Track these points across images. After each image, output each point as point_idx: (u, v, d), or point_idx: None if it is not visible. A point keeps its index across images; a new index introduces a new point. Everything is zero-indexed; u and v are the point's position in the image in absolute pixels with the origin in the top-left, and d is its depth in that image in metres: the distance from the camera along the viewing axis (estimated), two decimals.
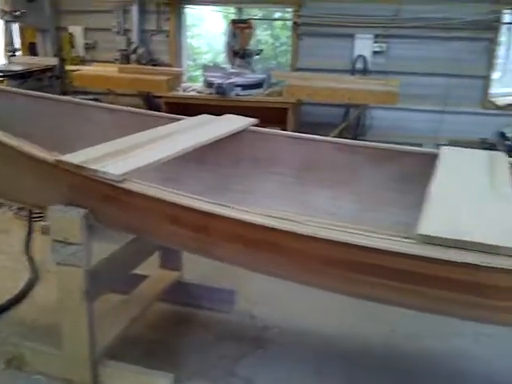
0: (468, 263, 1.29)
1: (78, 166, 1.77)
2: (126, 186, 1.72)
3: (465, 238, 1.33)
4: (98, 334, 2.19)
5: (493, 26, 5.10)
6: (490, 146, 4.77)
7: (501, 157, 2.38)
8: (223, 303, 2.98)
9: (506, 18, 5.21)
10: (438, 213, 1.53)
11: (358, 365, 2.54)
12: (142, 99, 5.68)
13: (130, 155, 1.99)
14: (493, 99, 5.27)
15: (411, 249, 1.33)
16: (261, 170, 2.85)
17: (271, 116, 4.79)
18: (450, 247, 1.34)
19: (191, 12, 6.10)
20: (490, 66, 5.25)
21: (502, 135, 5.06)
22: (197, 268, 2.97)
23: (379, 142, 2.66)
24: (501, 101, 5.21)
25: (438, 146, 2.95)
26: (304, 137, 2.84)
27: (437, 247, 1.35)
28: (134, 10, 5.62)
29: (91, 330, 2.12)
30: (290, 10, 5.61)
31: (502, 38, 5.38)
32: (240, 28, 4.92)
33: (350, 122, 5.43)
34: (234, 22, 5.03)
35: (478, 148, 4.80)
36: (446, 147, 2.63)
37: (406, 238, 1.41)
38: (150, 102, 5.59)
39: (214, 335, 2.77)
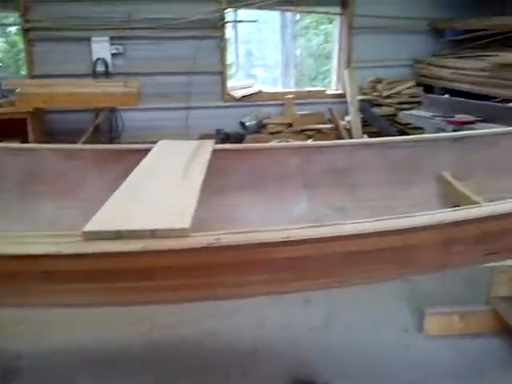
0: (113, 252, 1.35)
1: None
2: None
3: (114, 229, 1.39)
4: None
5: (219, 24, 5.55)
6: (225, 136, 5.24)
7: (208, 144, 2.60)
8: None
9: (229, 16, 5.71)
10: (111, 208, 1.59)
11: (114, 368, 2.52)
12: None
13: None
14: (231, 92, 5.75)
15: (65, 248, 1.35)
16: None
17: (9, 128, 4.45)
18: (109, 239, 1.39)
19: None
20: (223, 61, 5.70)
21: (242, 124, 5.57)
22: None
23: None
24: (237, 93, 5.72)
25: None
26: (23, 147, 2.69)
27: (98, 241, 1.39)
28: None
29: None
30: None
31: (230, 35, 5.90)
32: None
33: (99, 126, 5.36)
34: None
35: (215, 138, 5.23)
36: (164, 141, 2.77)
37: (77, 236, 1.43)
38: None
39: None
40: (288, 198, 2.68)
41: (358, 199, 2.64)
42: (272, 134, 5.57)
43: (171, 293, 1.51)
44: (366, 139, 2.70)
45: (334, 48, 6.22)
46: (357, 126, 5.56)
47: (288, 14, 6.14)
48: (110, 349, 2.69)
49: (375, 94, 5.87)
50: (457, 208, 1.72)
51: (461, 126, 3.76)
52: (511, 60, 4.15)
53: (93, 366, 2.52)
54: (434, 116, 4.13)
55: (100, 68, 5.32)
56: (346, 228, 1.53)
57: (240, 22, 5.73)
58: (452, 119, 3.93)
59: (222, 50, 5.62)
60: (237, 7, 5.51)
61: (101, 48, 5.21)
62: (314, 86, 6.90)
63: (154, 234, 1.41)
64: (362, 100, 5.79)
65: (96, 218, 1.50)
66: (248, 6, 5.41)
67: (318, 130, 5.70)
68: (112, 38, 5.27)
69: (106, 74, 5.31)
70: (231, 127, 5.63)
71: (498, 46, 4.93)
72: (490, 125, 3.67)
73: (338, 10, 5.94)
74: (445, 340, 2.75)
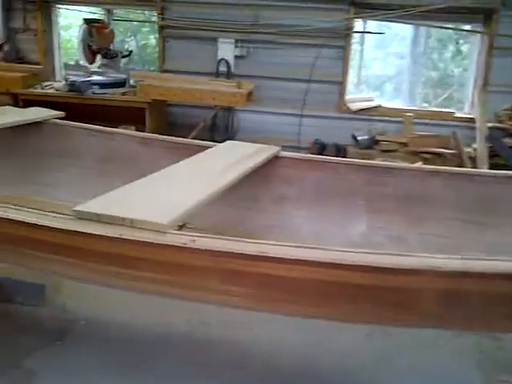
0: (101, 235, 1.38)
1: None
2: None
3: (100, 212, 1.42)
4: None
5: (345, 34, 5.41)
6: (321, 146, 5.09)
7: (269, 150, 2.55)
8: (33, 297, 2.97)
9: (358, 26, 5.54)
10: (115, 193, 1.63)
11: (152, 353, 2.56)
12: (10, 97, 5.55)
13: None
14: (348, 104, 5.57)
15: (49, 222, 1.41)
16: (61, 162, 2.89)
17: (130, 116, 4.85)
18: (90, 221, 1.43)
19: (67, 13, 6.09)
20: (345, 72, 5.55)
21: (354, 138, 5.36)
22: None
23: None
24: (355, 106, 5.51)
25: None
26: (105, 130, 2.90)
27: (86, 222, 1.43)
28: None
29: None
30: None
31: (357, 46, 5.72)
32: (96, 27, 4.93)
33: (215, 124, 5.59)
34: (86, 21, 5.03)
35: (312, 148, 5.12)
36: (231, 142, 2.79)
37: (70, 214, 1.49)
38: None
39: (15, 328, 2.74)
40: (345, 218, 2.52)
41: (421, 232, 2.38)
42: (384, 152, 5.28)
43: (137, 283, 1.49)
44: (441, 167, 2.42)
45: (470, 68, 5.68)
46: (482, 156, 5.01)
47: (421, 29, 5.75)
48: (158, 333, 2.76)
49: (511, 123, 5.22)
50: None
51: None
52: None
53: (126, 347, 2.63)
54: None
55: (223, 68, 5.52)
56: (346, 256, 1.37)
57: (367, 33, 5.52)
58: None
59: (345, 60, 5.48)
60: (365, 18, 5.32)
61: (225, 49, 5.42)
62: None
63: (132, 223, 1.42)
64: (492, 127, 5.19)
65: (94, 200, 1.55)
66: (377, 17, 5.19)
67: (438, 155, 5.26)
68: (237, 41, 5.44)
69: (228, 75, 5.50)
70: (343, 139, 5.45)
71: None
72: None
73: (479, 27, 5.43)
74: None
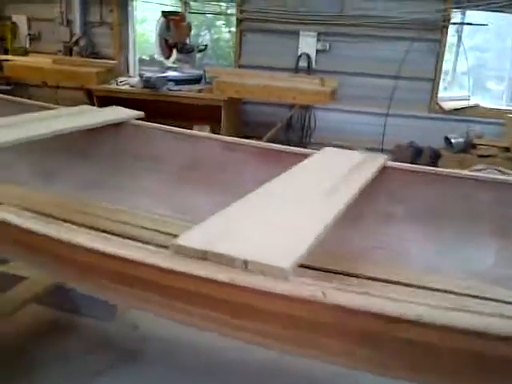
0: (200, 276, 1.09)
1: None
2: None
3: (206, 249, 1.13)
4: None
5: (440, 26, 4.90)
6: (416, 150, 4.60)
7: (375, 159, 2.19)
8: (104, 311, 2.78)
9: (455, 18, 5.01)
10: (218, 220, 1.34)
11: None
12: (84, 93, 5.49)
13: None
14: (440, 103, 5.06)
15: (145, 257, 1.13)
16: (140, 166, 2.67)
17: (205, 114, 4.62)
18: (199, 258, 1.15)
19: (144, 6, 5.95)
20: (438, 68, 5.04)
21: (447, 140, 4.85)
22: None
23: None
24: (448, 105, 5.00)
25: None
26: (188, 133, 2.65)
27: (186, 259, 1.15)
28: (76, 0, 5.43)
29: None
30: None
31: (452, 39, 5.19)
32: (174, 21, 4.71)
33: (291, 124, 5.25)
34: (165, 14, 4.82)
35: (406, 151, 4.66)
36: (329, 148, 2.45)
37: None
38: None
39: (87, 344, 2.57)
40: (467, 244, 2.11)
41: None
42: (481, 157, 4.74)
43: (242, 333, 1.19)
44: None
45: None
46: None
47: None
48: (235, 359, 2.49)
49: None
50: None
51: None
52: None
53: (200, 369, 2.42)
54: None
55: (303, 63, 5.17)
56: None
57: (466, 24, 4.96)
58: None
59: (439, 54, 4.96)
60: (465, 8, 4.78)
61: (307, 43, 5.06)
62: None
63: (246, 265, 1.12)
64: None
65: (193, 232, 1.27)
66: (479, 7, 4.64)
67: None
68: (319, 34, 5.07)
69: (309, 71, 5.14)
70: (434, 142, 4.94)
71: None
72: None
73: None
74: None
